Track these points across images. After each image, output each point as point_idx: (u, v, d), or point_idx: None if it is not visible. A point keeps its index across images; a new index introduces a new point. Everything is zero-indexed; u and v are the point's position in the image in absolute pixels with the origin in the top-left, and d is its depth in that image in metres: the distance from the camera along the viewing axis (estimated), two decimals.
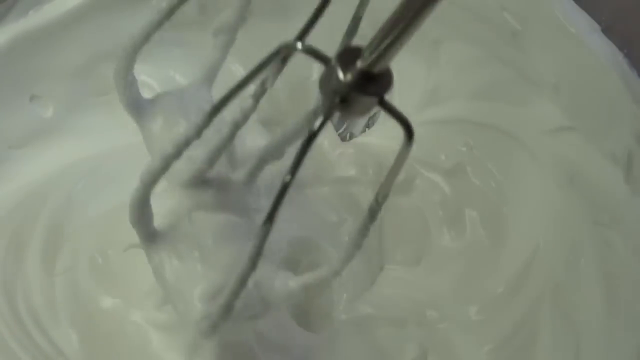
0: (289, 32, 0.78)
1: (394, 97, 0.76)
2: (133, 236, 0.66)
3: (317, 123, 0.43)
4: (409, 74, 0.79)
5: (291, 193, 0.70)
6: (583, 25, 0.64)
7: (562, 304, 0.66)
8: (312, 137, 0.42)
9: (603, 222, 0.65)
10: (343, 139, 0.79)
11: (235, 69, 0.79)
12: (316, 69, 0.80)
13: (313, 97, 0.79)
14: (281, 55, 0.45)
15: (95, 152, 0.75)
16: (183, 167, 0.52)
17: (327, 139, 0.79)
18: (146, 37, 0.54)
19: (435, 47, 0.76)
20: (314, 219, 0.73)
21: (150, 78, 0.77)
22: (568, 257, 0.67)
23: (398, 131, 0.76)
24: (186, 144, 0.47)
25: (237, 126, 0.48)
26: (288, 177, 0.43)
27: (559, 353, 0.64)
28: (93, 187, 0.73)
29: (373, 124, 0.79)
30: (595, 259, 0.65)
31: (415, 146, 0.73)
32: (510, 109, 0.73)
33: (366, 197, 0.74)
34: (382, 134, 0.79)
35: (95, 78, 0.76)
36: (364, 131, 0.80)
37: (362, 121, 0.79)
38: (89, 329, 0.64)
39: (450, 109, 0.77)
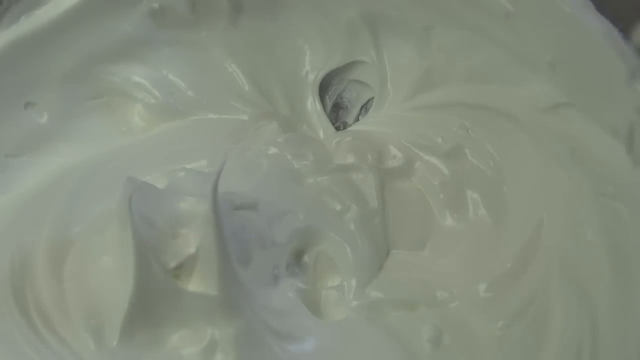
0: (280, 29, 0.79)
1: (387, 84, 0.79)
2: None
3: None
4: (402, 60, 0.80)
5: (292, 184, 0.71)
6: (577, 2, 0.65)
7: (572, 276, 0.66)
8: None
9: (607, 193, 0.66)
10: (337, 128, 0.80)
11: (229, 66, 0.80)
12: (308, 64, 0.81)
13: (307, 93, 0.81)
14: None
15: (93, 154, 0.75)
16: None
17: (322, 128, 0.80)
18: None
19: (426, 33, 0.77)
20: (318, 209, 0.73)
21: (143, 79, 0.78)
22: (574, 230, 0.68)
23: (392, 118, 0.78)
24: None
25: None
26: None
27: (573, 324, 0.65)
28: (94, 189, 0.72)
29: (366, 112, 0.80)
30: (602, 229, 0.65)
31: (412, 130, 0.75)
32: (505, 90, 0.73)
33: (367, 184, 0.75)
34: (376, 122, 0.80)
35: (89, 81, 0.77)
36: (357, 120, 0.81)
37: (355, 110, 0.80)
38: (104, 332, 0.64)
39: (444, 93, 0.77)
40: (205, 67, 0.79)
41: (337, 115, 0.84)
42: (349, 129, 0.80)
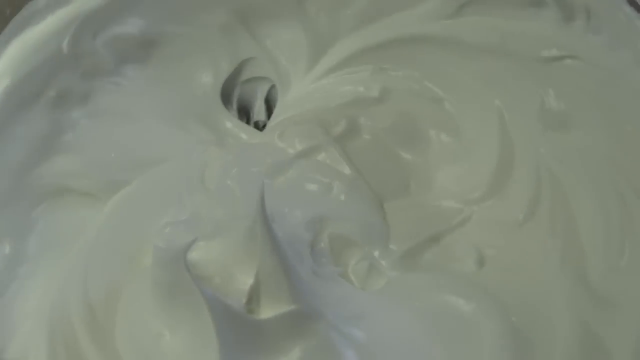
0: (165, 64, 0.78)
1: (283, 66, 0.79)
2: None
3: None
4: (286, 37, 0.81)
5: (270, 189, 0.71)
6: None
7: (568, 146, 0.71)
8: None
9: (555, 57, 0.70)
10: (257, 128, 0.80)
11: (139, 119, 0.78)
12: (202, 84, 0.81)
13: (215, 111, 0.79)
14: None
15: (71, 255, 0.71)
16: None
17: (247, 135, 0.80)
18: None
19: (299, 3, 0.78)
20: (307, 198, 0.73)
21: (71, 167, 0.75)
22: (541, 106, 0.72)
23: (306, 93, 0.79)
24: None
25: None
26: None
27: (600, 182, 0.68)
28: (98, 280, 0.68)
29: (273, 103, 0.80)
30: (571, 91, 0.70)
31: (334, 95, 0.76)
32: (401, 16, 0.76)
33: (332, 157, 0.76)
34: (295, 104, 0.80)
35: (25, 194, 0.72)
36: (268, 113, 0.81)
37: (260, 106, 0.80)
38: None
39: (343, 48, 0.79)
40: (120, 129, 0.76)
41: (247, 118, 0.83)
42: (276, 122, 0.80)
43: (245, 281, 0.62)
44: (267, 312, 0.61)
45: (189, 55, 0.80)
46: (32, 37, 0.71)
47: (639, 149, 0.66)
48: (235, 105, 0.83)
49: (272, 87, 0.83)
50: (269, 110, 0.83)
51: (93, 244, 0.71)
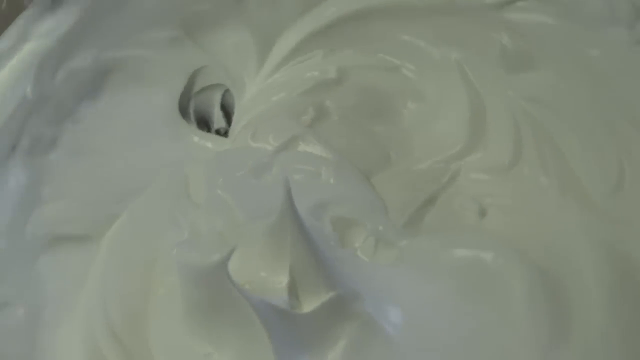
0: (119, 89, 0.77)
1: (234, 68, 0.79)
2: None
3: None
4: (233, 40, 0.81)
5: (263, 189, 0.71)
6: None
7: (536, 84, 0.72)
8: None
9: (505, 0, 0.72)
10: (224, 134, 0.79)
11: (111, 155, 0.76)
12: (162, 104, 0.80)
13: (179, 127, 0.79)
14: None
15: (87, 292, 0.70)
16: None
17: (213, 144, 0.80)
18: None
19: (238, 3, 0.79)
20: (298, 190, 0.71)
21: (60, 213, 0.73)
22: (499, 47, 0.73)
23: (265, 89, 0.79)
24: None
25: None
26: None
27: (581, 116, 0.70)
28: (119, 312, 0.68)
29: (230, 108, 0.80)
30: (525, 29, 0.72)
31: (292, 86, 0.78)
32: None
33: (312, 144, 0.76)
34: (255, 104, 0.80)
35: (23, 250, 0.71)
36: (227, 119, 0.81)
37: (217, 114, 0.80)
38: None
39: (290, 40, 0.80)
40: (95, 165, 0.75)
41: (208, 128, 0.83)
42: (240, 125, 0.79)
43: (279, 280, 0.61)
44: (309, 304, 0.61)
45: (143, 76, 0.79)
46: None
47: (611, 71, 0.68)
48: (192, 117, 0.82)
49: (226, 92, 0.82)
50: (227, 116, 0.83)
51: (103, 280, 0.70)
